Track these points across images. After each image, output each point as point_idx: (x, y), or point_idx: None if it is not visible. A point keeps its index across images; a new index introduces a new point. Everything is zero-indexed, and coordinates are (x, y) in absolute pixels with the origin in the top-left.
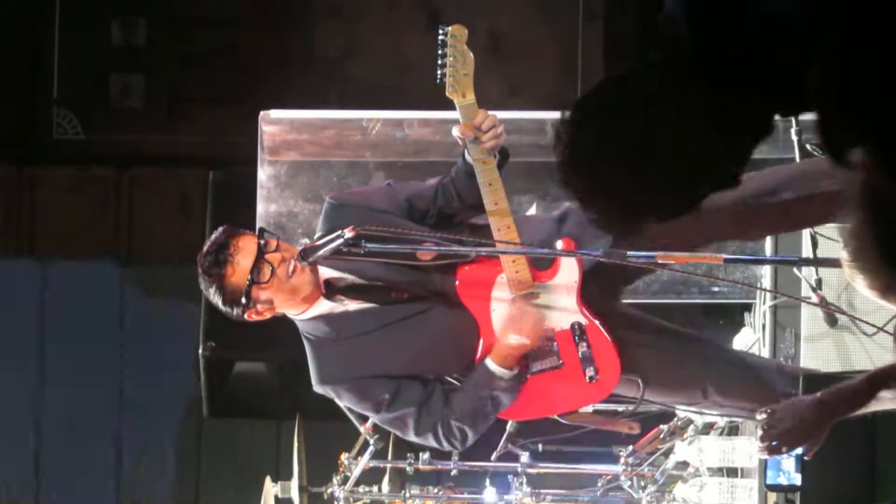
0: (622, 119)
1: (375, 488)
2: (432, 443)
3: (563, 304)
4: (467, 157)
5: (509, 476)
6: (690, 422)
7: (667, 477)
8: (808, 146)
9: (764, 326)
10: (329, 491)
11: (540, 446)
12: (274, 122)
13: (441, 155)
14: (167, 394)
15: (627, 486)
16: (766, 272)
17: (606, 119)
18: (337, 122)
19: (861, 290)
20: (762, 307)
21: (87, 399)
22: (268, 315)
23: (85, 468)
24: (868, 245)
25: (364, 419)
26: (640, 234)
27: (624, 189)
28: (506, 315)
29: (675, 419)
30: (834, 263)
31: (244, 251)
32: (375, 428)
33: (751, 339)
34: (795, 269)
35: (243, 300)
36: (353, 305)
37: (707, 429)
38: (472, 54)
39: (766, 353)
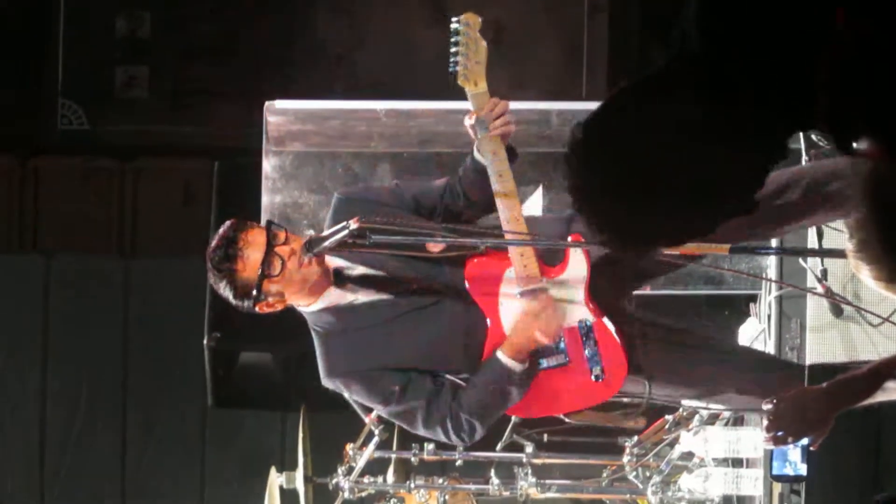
0: (633, 142)
1: (380, 479)
2: (441, 436)
3: (571, 301)
4: (476, 154)
5: (514, 466)
6: (696, 412)
7: (672, 467)
8: (812, 136)
9: (769, 317)
10: (334, 481)
11: (545, 437)
12: (279, 113)
13: (447, 146)
14: (172, 385)
15: (632, 476)
16: (771, 263)
17: (616, 142)
18: (342, 112)
19: (866, 281)
20: (768, 298)
21: (92, 390)
22: (279, 307)
23: (89, 459)
24: (873, 236)
25: (369, 410)
26: (653, 257)
27: (638, 216)
28: (521, 310)
29: (681, 410)
30: (839, 254)
31: (253, 245)
32: (380, 419)
33: (756, 330)
34: (801, 260)
35: (255, 294)
36: (361, 297)
37: (712, 419)
38: (484, 42)
39: (771, 343)
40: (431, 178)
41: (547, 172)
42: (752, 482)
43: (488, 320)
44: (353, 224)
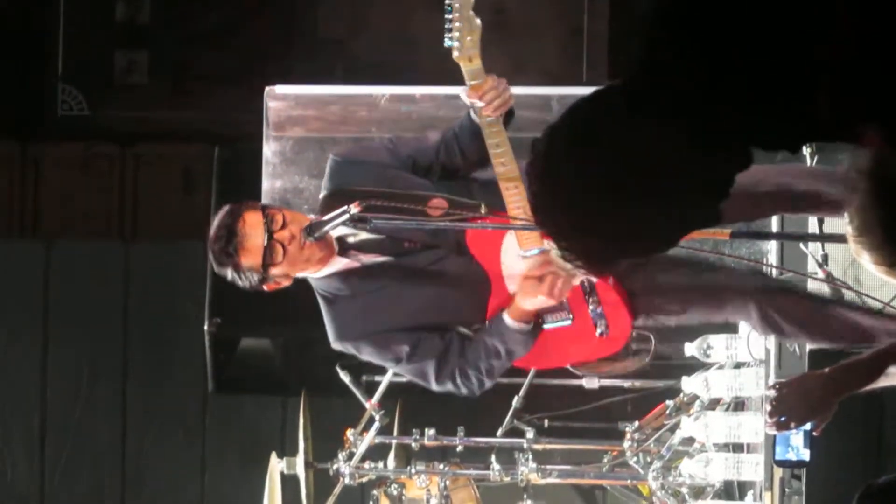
0: (597, 153)
1: (381, 464)
2: (450, 389)
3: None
4: (472, 115)
5: (515, 452)
6: (696, 397)
7: (673, 453)
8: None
9: None
10: (335, 467)
11: (545, 422)
12: (279, 98)
13: None
14: (172, 370)
15: (633, 461)
16: (772, 248)
17: (576, 153)
18: (342, 97)
19: (867, 266)
20: None
21: (92, 376)
22: (285, 283)
23: (90, 445)
24: (874, 220)
25: (370, 395)
26: (614, 270)
27: (599, 228)
28: (525, 272)
29: (682, 395)
30: (840, 239)
31: (252, 232)
32: (381, 404)
33: None
34: (801, 245)
35: (259, 278)
36: (366, 260)
37: (713, 404)
38: (478, 20)
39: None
40: (425, 136)
41: None
42: (753, 467)
43: (490, 278)
44: (354, 209)
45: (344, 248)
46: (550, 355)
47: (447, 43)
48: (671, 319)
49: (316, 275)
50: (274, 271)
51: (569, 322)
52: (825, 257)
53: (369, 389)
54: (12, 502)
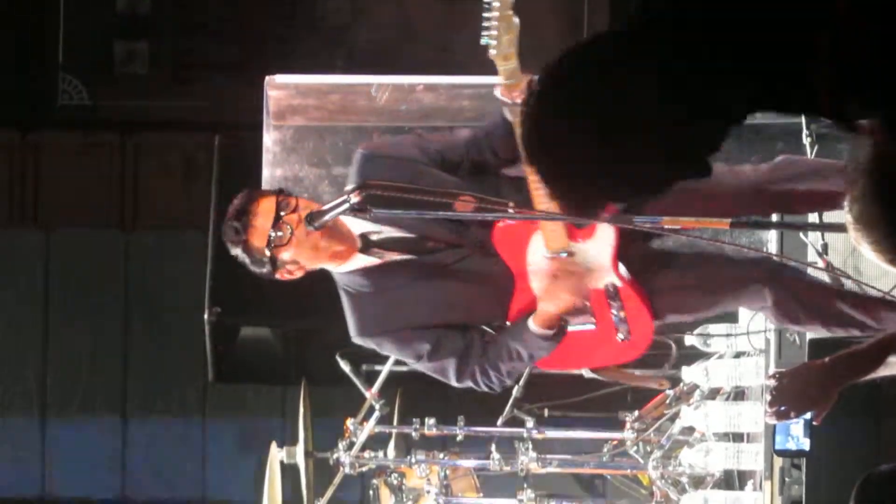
0: (589, 93)
1: (381, 453)
2: (470, 385)
3: (599, 264)
4: (507, 114)
5: (515, 441)
6: (696, 387)
7: (672, 442)
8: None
9: None
10: (335, 456)
11: (546, 412)
12: (279, 87)
13: (447, 120)
14: (172, 359)
15: (633, 451)
16: (771, 237)
17: (572, 91)
18: (342, 86)
19: (866, 255)
20: None
21: (92, 365)
22: (298, 274)
23: (90, 434)
24: (874, 209)
25: (370, 384)
26: (598, 214)
27: (589, 167)
28: (546, 276)
29: (682, 384)
30: (840, 228)
31: (263, 214)
32: (381, 393)
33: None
34: (801, 234)
35: (268, 262)
36: (390, 257)
37: (713, 394)
38: (517, 19)
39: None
40: (455, 132)
41: None
42: (752, 457)
43: (515, 278)
44: (354, 197)
45: (367, 245)
46: (571, 358)
47: (483, 41)
48: (692, 315)
49: (339, 269)
50: (282, 255)
51: (592, 326)
52: (825, 246)
53: (369, 379)
54: (12, 488)
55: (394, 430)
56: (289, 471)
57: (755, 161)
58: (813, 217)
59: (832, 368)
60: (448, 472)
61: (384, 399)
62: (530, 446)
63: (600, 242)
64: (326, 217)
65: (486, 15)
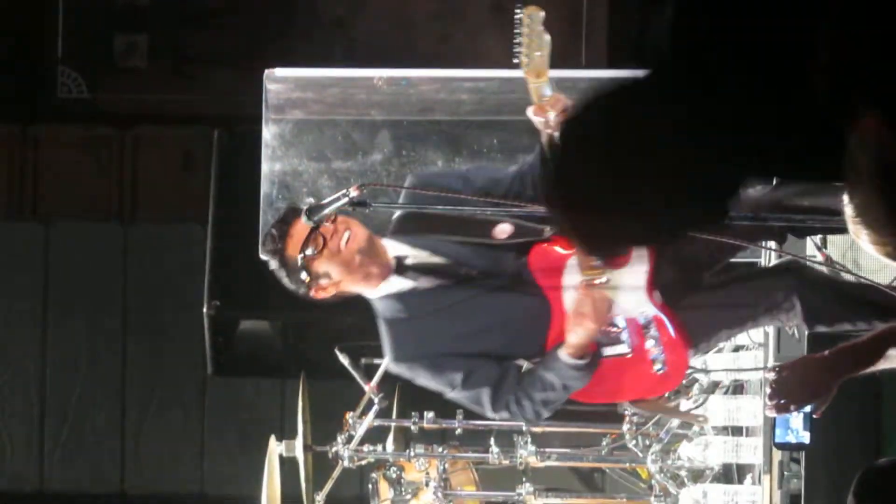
0: (610, 143)
1: (380, 447)
2: (508, 417)
3: (634, 291)
4: (542, 140)
5: (514, 435)
6: (696, 380)
7: (671, 436)
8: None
9: None
10: (334, 450)
11: None
12: (279, 81)
13: (446, 114)
14: (171, 352)
15: (632, 445)
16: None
17: (590, 143)
18: (342, 80)
19: (866, 248)
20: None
21: (91, 358)
22: (332, 291)
23: (89, 428)
24: (874, 202)
25: (369, 378)
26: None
27: (609, 215)
28: (575, 301)
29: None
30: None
31: (301, 225)
32: (380, 387)
33: None
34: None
35: (301, 274)
36: (424, 282)
37: (712, 387)
38: (548, 36)
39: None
40: (503, 168)
41: None
42: (751, 450)
43: (552, 307)
44: (353, 191)
45: (402, 268)
46: (606, 390)
47: (516, 59)
48: (727, 333)
49: (374, 294)
50: (316, 267)
51: (627, 350)
52: (824, 240)
53: (368, 372)
54: (11, 482)
55: (393, 424)
56: (288, 464)
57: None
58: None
59: (832, 362)
60: (447, 465)
61: (383, 393)
62: (529, 440)
63: (635, 268)
64: (325, 211)
65: (516, 30)
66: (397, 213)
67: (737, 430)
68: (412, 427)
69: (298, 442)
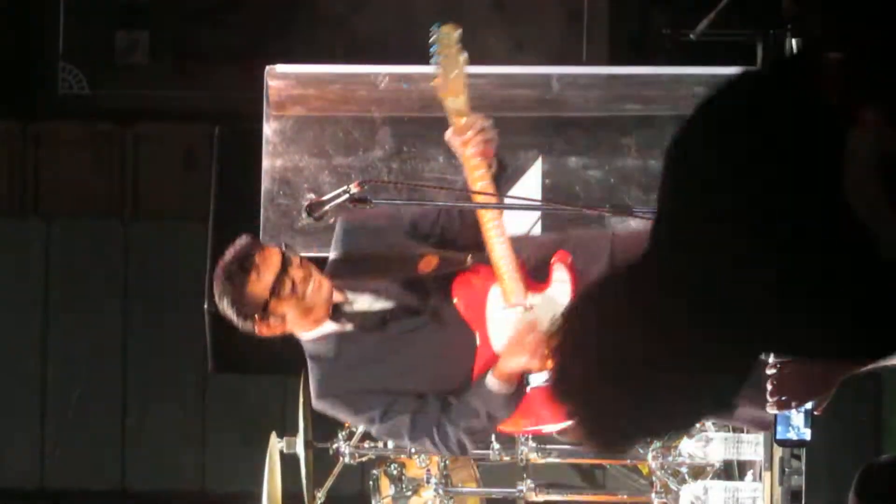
0: (614, 336)
1: (380, 444)
2: (430, 447)
3: (556, 318)
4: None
5: None
6: None
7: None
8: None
9: None
10: (334, 446)
11: None
12: (280, 77)
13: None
14: (172, 349)
15: None
16: None
17: (597, 335)
18: (343, 76)
19: None
20: None
21: (92, 355)
22: (277, 332)
23: (90, 424)
24: (872, 196)
25: None
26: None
27: (618, 412)
28: (508, 332)
29: None
30: None
31: (268, 263)
32: None
33: None
34: None
35: (260, 312)
36: (354, 325)
37: None
38: (465, 54)
39: None
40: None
41: (548, 136)
42: (752, 447)
43: (477, 337)
44: (354, 188)
45: (337, 314)
46: (531, 418)
47: (433, 81)
48: None
49: (306, 336)
50: (276, 307)
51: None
52: None
53: None
54: (12, 479)
55: None
56: (289, 461)
57: None
58: None
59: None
60: (448, 462)
61: None
62: (530, 436)
63: (557, 295)
64: (326, 207)
65: (432, 50)
66: (332, 257)
67: (738, 427)
68: None
69: (299, 438)
